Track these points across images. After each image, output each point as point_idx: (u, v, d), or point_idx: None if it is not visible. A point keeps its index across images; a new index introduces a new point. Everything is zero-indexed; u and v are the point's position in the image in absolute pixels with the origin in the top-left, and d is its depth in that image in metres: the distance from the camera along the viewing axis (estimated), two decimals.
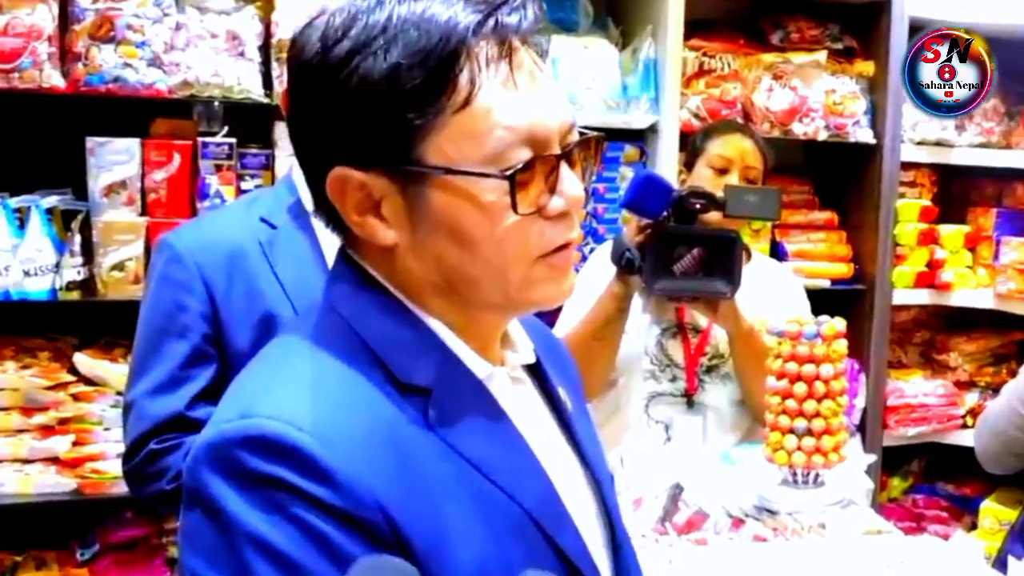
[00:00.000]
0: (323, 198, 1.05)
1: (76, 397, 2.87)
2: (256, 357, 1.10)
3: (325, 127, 1.02)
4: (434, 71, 0.97)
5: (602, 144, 1.12)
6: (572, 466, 1.19)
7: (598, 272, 2.54)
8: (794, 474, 2.16)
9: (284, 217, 1.92)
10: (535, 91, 1.02)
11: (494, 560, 0.99)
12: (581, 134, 1.08)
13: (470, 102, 0.98)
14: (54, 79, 2.79)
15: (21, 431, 2.84)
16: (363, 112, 0.98)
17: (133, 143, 2.91)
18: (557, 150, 1.03)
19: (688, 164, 2.74)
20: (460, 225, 1.01)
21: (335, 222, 1.08)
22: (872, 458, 2.72)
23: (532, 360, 1.18)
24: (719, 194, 2.43)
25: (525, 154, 1.00)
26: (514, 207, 1.00)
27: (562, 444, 1.19)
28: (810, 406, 2.13)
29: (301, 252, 1.90)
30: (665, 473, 2.26)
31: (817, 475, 2.16)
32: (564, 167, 1.04)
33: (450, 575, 0.96)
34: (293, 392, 0.98)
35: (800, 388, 2.13)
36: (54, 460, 2.85)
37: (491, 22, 0.99)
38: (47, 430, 2.85)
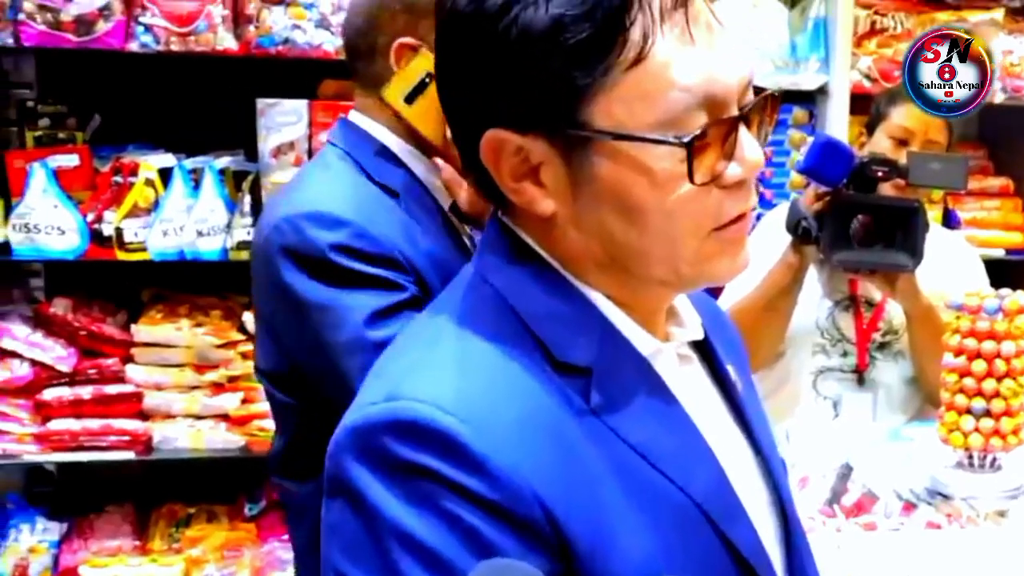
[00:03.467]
0: (474, 161, 0.96)
1: (245, 356, 2.94)
2: (402, 334, 1.02)
3: (479, 86, 0.92)
4: (602, 24, 0.86)
5: (778, 102, 1.01)
6: (743, 452, 1.09)
7: (769, 239, 2.48)
8: (970, 457, 2.06)
9: (393, 178, 1.73)
10: (713, 45, 0.91)
11: (661, 557, 0.91)
12: (755, 90, 0.97)
13: (643, 59, 0.88)
14: (227, 42, 2.85)
15: (194, 387, 2.94)
16: (522, 70, 0.89)
17: (301, 104, 2.95)
18: (735, 111, 0.93)
19: (869, 128, 2.64)
20: (628, 195, 0.91)
21: (488, 187, 0.98)
22: None
23: (700, 336, 1.08)
24: (902, 161, 2.34)
25: (702, 117, 0.90)
26: (691, 177, 0.90)
27: (732, 428, 1.09)
28: (989, 385, 2.02)
29: (432, 217, 1.75)
30: (833, 449, 2.20)
31: (995, 459, 2.06)
32: (743, 130, 0.93)
33: (615, 574, 0.89)
34: (442, 373, 0.91)
35: (979, 366, 2.02)
36: (224, 417, 2.95)
37: None
38: (218, 387, 2.95)
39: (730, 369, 1.12)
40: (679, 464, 0.95)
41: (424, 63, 1.68)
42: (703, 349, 1.10)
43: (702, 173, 0.91)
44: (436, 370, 0.92)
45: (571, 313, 0.96)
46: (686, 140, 0.89)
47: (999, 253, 3.59)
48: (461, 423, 0.85)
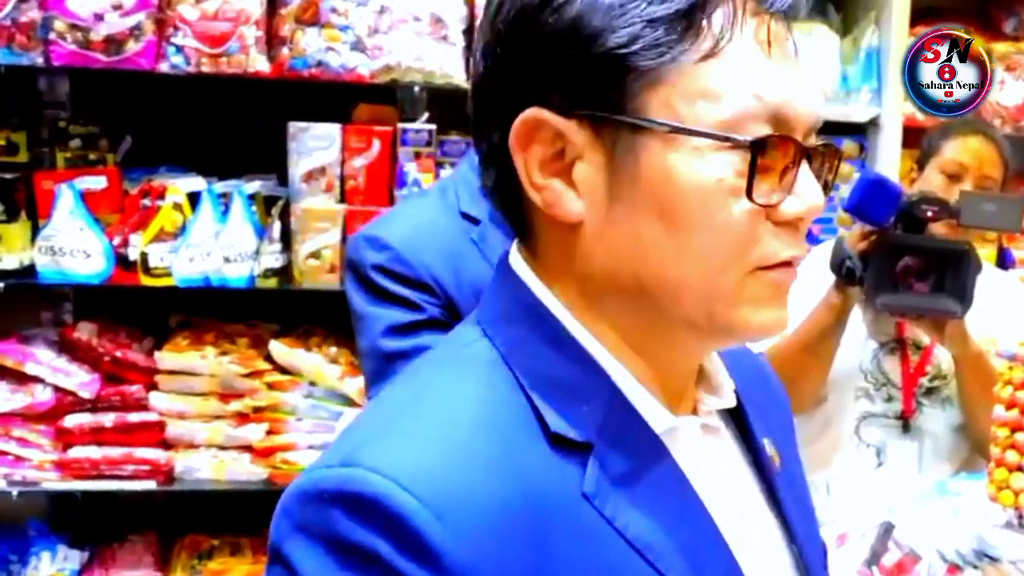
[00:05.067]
0: (494, 161, 0.86)
1: (271, 386, 2.90)
2: (379, 393, 0.92)
3: (528, 58, 0.82)
4: (682, 5, 0.79)
5: (841, 158, 0.91)
6: (773, 542, 0.95)
7: (812, 277, 2.38)
8: (1020, 517, 1.96)
9: (481, 208, 1.82)
10: (789, 67, 0.82)
11: None
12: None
13: (716, 53, 0.79)
14: (259, 64, 2.82)
15: (218, 417, 2.89)
16: (580, 44, 0.79)
17: (334, 128, 2.91)
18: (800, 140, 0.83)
19: (920, 163, 2.54)
20: (673, 203, 0.80)
21: (504, 201, 0.88)
22: None
23: (732, 404, 0.95)
24: (954, 198, 2.24)
25: (766, 131, 0.80)
26: (749, 191, 0.79)
27: (763, 513, 0.95)
28: None
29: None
30: (875, 503, 2.10)
31: None
32: (806, 167, 0.83)
33: None
34: (411, 441, 0.79)
35: None
36: (248, 448, 2.90)
37: None
38: (242, 417, 2.90)
39: (766, 443, 0.98)
40: (685, 566, 0.83)
41: None
42: (738, 417, 0.97)
43: (761, 192, 0.80)
44: (405, 436, 0.79)
45: (576, 377, 0.84)
46: (752, 140, 0.79)
47: None
48: (419, 504, 0.74)
